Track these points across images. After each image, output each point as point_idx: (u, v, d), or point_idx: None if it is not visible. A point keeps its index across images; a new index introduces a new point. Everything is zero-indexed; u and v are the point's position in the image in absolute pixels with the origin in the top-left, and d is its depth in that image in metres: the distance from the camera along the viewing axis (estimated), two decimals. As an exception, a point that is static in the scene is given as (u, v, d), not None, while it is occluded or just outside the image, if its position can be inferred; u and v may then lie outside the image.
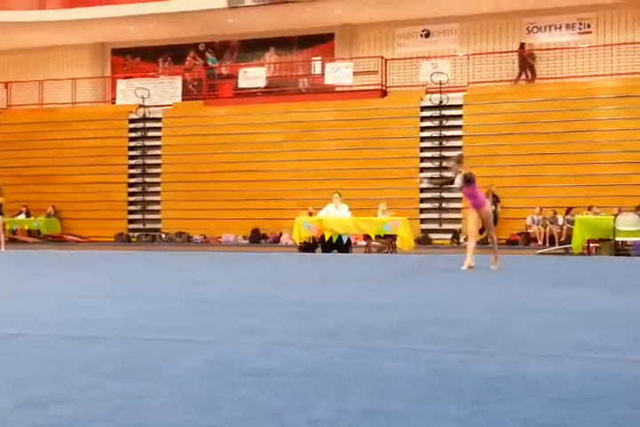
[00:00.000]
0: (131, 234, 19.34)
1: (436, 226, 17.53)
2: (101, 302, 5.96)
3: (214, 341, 4.05)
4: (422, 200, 17.73)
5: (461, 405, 2.62)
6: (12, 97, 21.60)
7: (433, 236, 17.28)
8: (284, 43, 21.41)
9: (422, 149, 17.97)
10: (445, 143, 17.84)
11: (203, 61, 21.67)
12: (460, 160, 9.48)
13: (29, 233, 19.35)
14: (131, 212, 19.73)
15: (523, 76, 18.76)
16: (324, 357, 3.56)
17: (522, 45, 19.00)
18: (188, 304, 5.79)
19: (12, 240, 17.51)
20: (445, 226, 17.46)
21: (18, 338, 4.14)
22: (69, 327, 4.53)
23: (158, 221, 19.40)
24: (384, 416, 2.50)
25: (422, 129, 18.06)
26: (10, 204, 16.75)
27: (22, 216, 19.36)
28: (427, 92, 18.39)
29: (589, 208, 15.87)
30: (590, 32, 19.59)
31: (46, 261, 12.96)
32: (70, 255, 14.35)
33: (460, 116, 17.93)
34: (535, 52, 18.91)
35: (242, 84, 19.40)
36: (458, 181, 9.12)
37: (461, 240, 16.93)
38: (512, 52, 19.11)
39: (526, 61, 18.72)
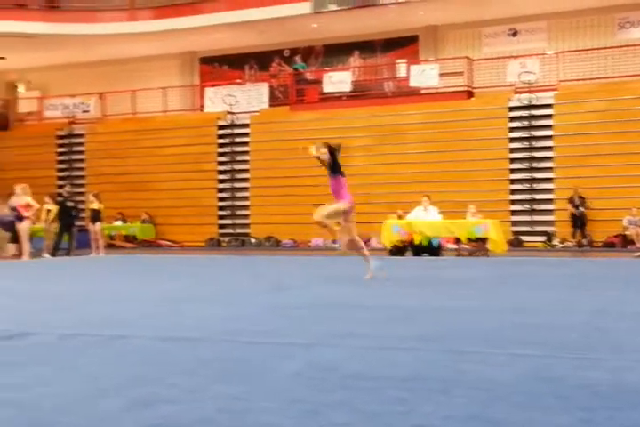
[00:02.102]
0: (221, 239, 19.70)
1: (527, 228, 17.15)
2: (195, 306, 6.09)
3: (310, 344, 4.07)
4: (513, 202, 17.39)
5: (569, 412, 2.56)
6: (106, 107, 22.36)
7: (525, 238, 16.92)
8: (368, 46, 21.40)
9: (512, 150, 17.62)
10: (535, 144, 17.44)
11: (288, 67, 21.90)
12: (334, 149, 8.21)
13: (126, 238, 19.98)
14: (221, 217, 20.10)
15: None
16: (424, 361, 3.53)
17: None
18: (281, 308, 5.84)
19: (110, 245, 18.13)
20: (537, 228, 17.07)
21: (120, 340, 4.27)
22: (167, 330, 4.64)
23: (247, 225, 19.70)
24: (490, 423, 2.46)
25: (511, 130, 17.71)
26: (107, 210, 17.32)
27: (119, 222, 20.02)
28: (515, 92, 18.03)
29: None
30: (688, 25, 18.76)
31: (142, 265, 13.34)
32: (164, 260, 14.74)
33: (550, 116, 17.49)
34: (631, 48, 18.21)
35: (327, 88, 19.48)
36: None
37: (555, 242, 16.52)
38: (604, 48, 18.51)
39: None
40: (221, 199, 20.14)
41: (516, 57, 18.44)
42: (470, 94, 18.74)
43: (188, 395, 2.94)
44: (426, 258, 13.43)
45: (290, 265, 12.42)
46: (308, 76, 21.28)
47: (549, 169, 17.27)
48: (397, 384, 3.06)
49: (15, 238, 15.57)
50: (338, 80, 19.48)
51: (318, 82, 20.04)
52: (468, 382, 3.06)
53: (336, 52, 21.63)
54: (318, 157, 8.28)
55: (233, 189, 20.03)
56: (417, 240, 13.61)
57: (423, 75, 18.75)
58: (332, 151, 8.21)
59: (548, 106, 17.58)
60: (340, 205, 8.25)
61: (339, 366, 3.46)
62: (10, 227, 15.54)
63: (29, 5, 22.29)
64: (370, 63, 21.38)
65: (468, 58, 19.05)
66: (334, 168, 8.23)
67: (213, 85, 21.30)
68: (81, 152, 22.03)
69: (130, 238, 19.99)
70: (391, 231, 13.89)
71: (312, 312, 5.57)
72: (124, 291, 7.76)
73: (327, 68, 20.52)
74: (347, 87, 19.44)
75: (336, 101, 19.57)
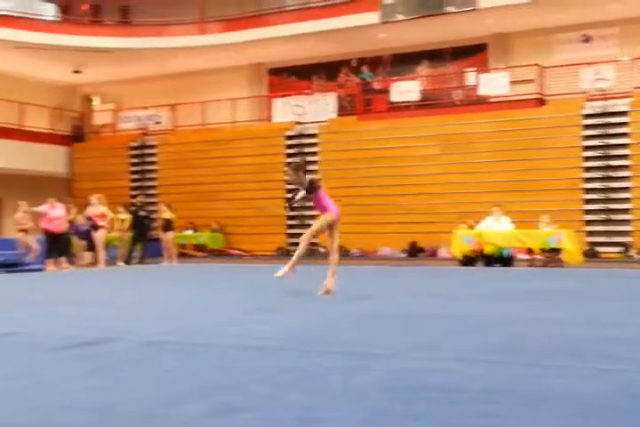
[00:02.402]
0: (290, 248, 19.77)
1: (603, 239, 16.67)
2: (272, 315, 6.11)
3: (387, 355, 4.03)
4: (588, 212, 16.94)
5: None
6: (177, 118, 22.79)
7: (601, 249, 16.45)
8: (436, 55, 21.23)
9: (586, 159, 17.19)
10: (611, 152, 16.97)
11: (355, 77, 21.91)
12: (299, 167, 8.01)
13: (196, 247, 20.27)
14: (289, 226, 20.19)
15: None
16: (505, 375, 3.44)
17: None
18: (355, 318, 5.81)
19: (182, 254, 18.40)
20: (614, 238, 16.58)
21: (199, 348, 4.31)
22: (245, 338, 4.66)
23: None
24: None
25: (585, 138, 17.28)
26: (178, 219, 17.63)
27: (190, 231, 20.33)
28: (588, 100, 17.61)
29: None
30: None
31: (214, 274, 13.50)
32: (235, 269, 14.89)
33: (625, 124, 17.01)
34: None
35: (395, 98, 19.41)
36: (301, 193, 7.95)
37: (632, 253, 16.02)
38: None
39: None
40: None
41: (589, 64, 18.02)
42: (542, 102, 18.39)
43: (266, 403, 2.94)
44: (498, 269, 13.20)
45: (362, 274, 12.36)
46: (376, 85, 21.23)
47: (626, 178, 16.79)
48: (479, 397, 2.99)
49: (91, 247, 15.99)
50: (406, 89, 19.38)
51: (386, 91, 19.98)
52: (555, 396, 2.97)
53: (404, 62, 21.53)
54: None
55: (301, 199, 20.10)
56: (488, 250, 13.38)
57: (493, 83, 18.50)
58: (297, 170, 7.99)
59: (623, 113, 17.11)
60: (327, 217, 7.97)
61: (418, 378, 3.41)
62: (86, 236, 15.97)
63: (105, 21, 22.96)
64: (438, 72, 21.22)
65: (538, 65, 18.72)
66: (309, 187, 7.93)
67: (282, 96, 21.49)
68: (153, 163, 22.48)
69: (200, 247, 20.26)
70: (461, 241, 13.70)
71: (390, 322, 5.52)
72: (200, 299, 7.86)
73: (395, 78, 20.45)
74: (415, 96, 19.33)
75: (404, 111, 19.46)
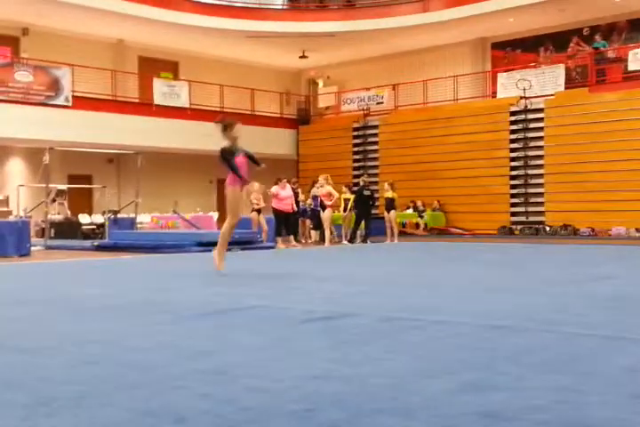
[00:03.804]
0: (513, 227, 19.24)
1: None
2: (504, 294, 5.98)
3: (637, 339, 3.77)
4: None
5: None
6: (398, 98, 22.89)
7: None
8: (680, 17, 19.46)
9: None
10: None
11: (587, 46, 20.65)
12: (226, 126, 7.53)
13: (417, 226, 20.33)
14: (513, 204, 19.62)
15: None
16: None
17: None
18: (597, 299, 5.51)
19: (401, 233, 18.56)
20: None
21: (439, 325, 4.29)
22: (484, 317, 4.58)
23: (542, 213, 19.00)
24: None
25: None
26: (400, 198, 17.77)
27: (410, 210, 20.44)
28: None
29: None
30: None
31: (438, 252, 13.46)
32: (458, 247, 14.75)
33: None
34: None
35: (633, 66, 18.05)
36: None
37: None
38: None
39: None
40: (513, 187, 19.64)
41: None
42: None
43: (517, 383, 2.85)
44: None
45: (594, 254, 11.72)
46: (611, 54, 19.87)
47: None
48: None
49: (316, 226, 16.57)
50: (645, 57, 17.97)
51: (622, 60, 18.66)
52: None
53: (643, 27, 19.97)
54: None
55: (526, 177, 19.43)
56: None
57: None
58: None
59: None
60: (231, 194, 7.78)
61: (679, 365, 3.14)
62: (312, 215, 16.57)
63: (330, 6, 23.56)
64: (681, 36, 19.44)
65: None
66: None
67: (506, 70, 20.83)
68: (374, 143, 22.79)
69: (421, 226, 20.29)
70: None
71: (633, 304, 5.17)
72: (428, 276, 7.86)
73: (632, 45, 19.02)
74: (655, 64, 17.87)
75: (642, 80, 18.07)
